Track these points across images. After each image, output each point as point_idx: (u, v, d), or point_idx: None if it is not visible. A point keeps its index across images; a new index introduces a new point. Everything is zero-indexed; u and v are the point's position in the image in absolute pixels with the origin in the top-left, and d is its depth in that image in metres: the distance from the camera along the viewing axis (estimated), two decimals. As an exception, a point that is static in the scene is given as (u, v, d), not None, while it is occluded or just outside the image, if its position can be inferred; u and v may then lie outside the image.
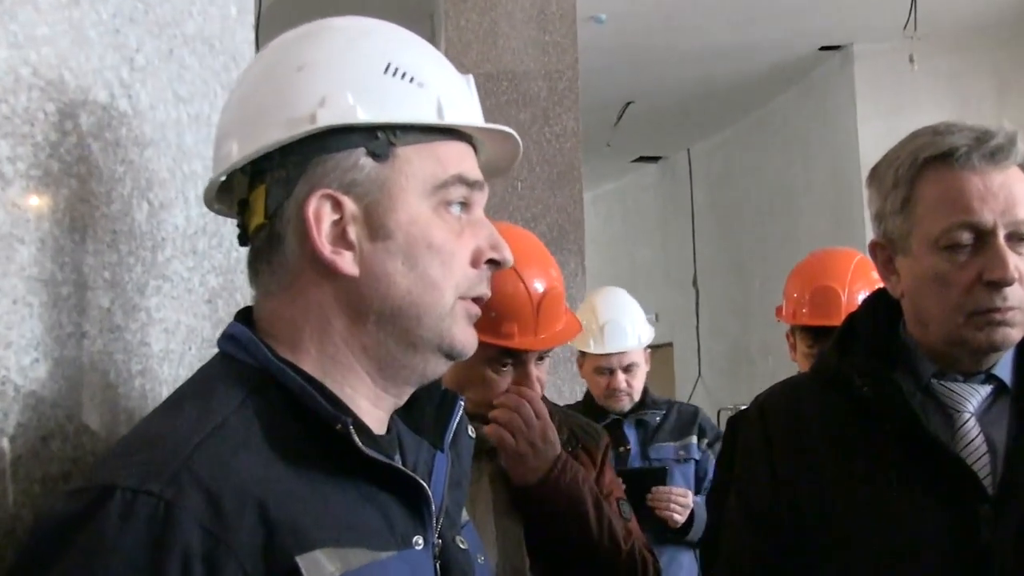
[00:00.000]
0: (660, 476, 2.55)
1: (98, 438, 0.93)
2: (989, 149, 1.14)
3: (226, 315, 1.14)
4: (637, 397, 2.77)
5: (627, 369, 2.73)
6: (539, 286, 1.56)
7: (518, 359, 1.53)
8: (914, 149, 1.19)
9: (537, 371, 1.55)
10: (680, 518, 2.48)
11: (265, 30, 1.28)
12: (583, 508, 1.46)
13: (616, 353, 2.74)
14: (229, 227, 1.17)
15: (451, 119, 0.85)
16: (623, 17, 4.92)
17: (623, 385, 2.72)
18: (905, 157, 1.19)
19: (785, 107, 6.56)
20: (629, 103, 6.54)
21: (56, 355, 0.88)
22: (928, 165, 1.17)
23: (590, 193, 7.61)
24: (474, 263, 0.86)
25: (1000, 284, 1.12)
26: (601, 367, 2.74)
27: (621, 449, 2.65)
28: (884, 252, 1.24)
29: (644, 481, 2.53)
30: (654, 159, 8.11)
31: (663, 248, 8.08)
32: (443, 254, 0.83)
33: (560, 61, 3.55)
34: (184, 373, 1.06)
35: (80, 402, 0.91)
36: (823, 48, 5.61)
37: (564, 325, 1.59)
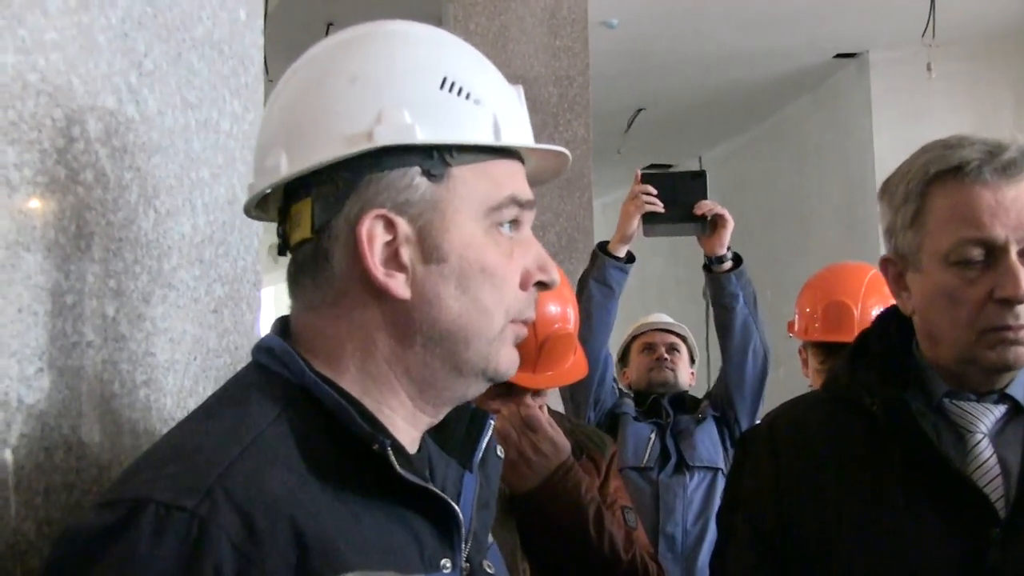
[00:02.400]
0: (700, 181, 2.43)
1: (102, 449, 0.92)
2: (1001, 163, 1.12)
3: (232, 325, 1.13)
4: (680, 381, 2.84)
5: (669, 350, 2.87)
6: (547, 322, 1.50)
7: (512, 390, 1.49)
8: (924, 163, 1.17)
9: (532, 402, 1.51)
10: (728, 216, 2.37)
11: (269, 34, 1.27)
12: (582, 517, 1.46)
13: (660, 330, 2.91)
14: (236, 235, 1.16)
15: (507, 139, 0.83)
16: (635, 22, 4.90)
17: (665, 355, 2.85)
18: (915, 171, 1.17)
19: (799, 115, 6.52)
20: (640, 110, 6.52)
21: (60, 365, 0.87)
22: (938, 179, 1.15)
23: (600, 201, 7.57)
24: (523, 285, 0.84)
25: (1012, 302, 1.10)
26: (645, 343, 2.90)
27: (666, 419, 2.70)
28: (895, 268, 1.22)
29: (684, 188, 2.41)
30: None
31: (674, 257, 8.04)
32: (495, 278, 0.82)
33: (571, 66, 3.53)
34: (189, 384, 1.05)
35: (84, 413, 0.90)
36: (838, 55, 5.58)
37: (571, 365, 1.56)
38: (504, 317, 0.83)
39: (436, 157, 0.80)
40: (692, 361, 2.94)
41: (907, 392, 1.19)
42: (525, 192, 0.85)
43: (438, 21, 4.01)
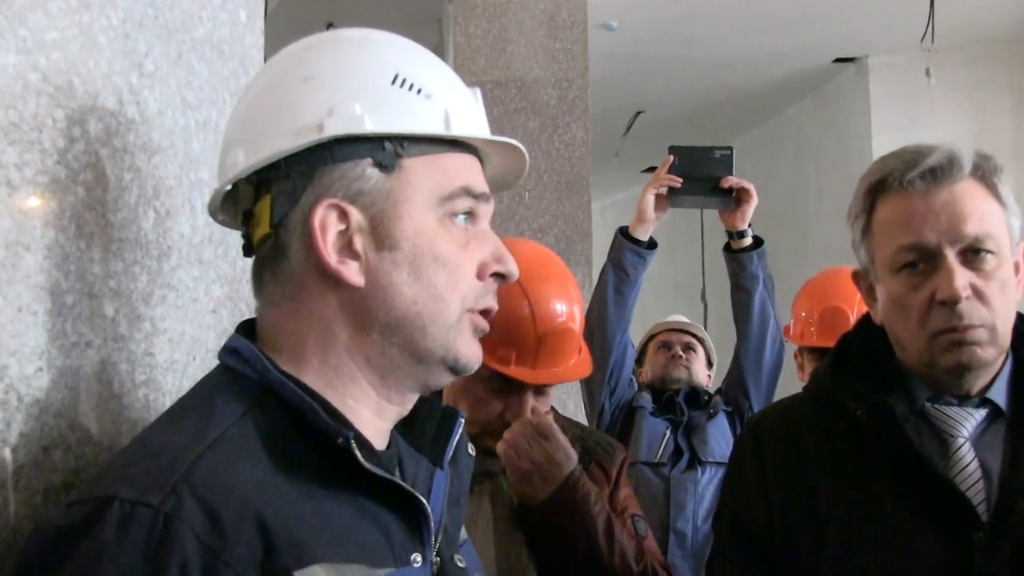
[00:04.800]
0: (727, 157, 2.45)
1: (101, 448, 0.92)
2: (924, 169, 1.15)
3: (231, 325, 1.13)
4: (696, 380, 2.82)
5: (685, 349, 2.87)
6: (548, 316, 1.47)
7: (513, 386, 1.47)
8: (864, 177, 1.21)
9: (535, 402, 1.49)
10: (753, 192, 2.38)
11: (268, 35, 1.28)
12: (592, 528, 1.43)
13: (677, 330, 2.91)
14: (235, 236, 1.16)
15: (457, 131, 0.85)
16: (634, 25, 4.90)
17: (680, 352, 2.85)
18: (859, 187, 1.22)
19: (798, 118, 6.53)
20: (639, 112, 6.53)
21: (60, 364, 0.87)
22: (876, 192, 1.19)
23: (598, 203, 7.58)
24: (480, 275, 0.86)
25: (950, 303, 1.12)
26: (661, 342, 2.90)
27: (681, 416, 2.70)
28: (864, 280, 1.26)
29: (711, 163, 2.43)
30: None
31: (671, 261, 8.05)
32: (449, 266, 0.83)
33: (570, 69, 3.53)
34: (188, 384, 1.04)
35: (83, 412, 0.90)
36: (838, 60, 5.59)
37: (574, 363, 1.53)
38: (460, 304, 0.84)
39: (387, 149, 0.82)
40: (710, 364, 2.93)
41: (890, 396, 1.20)
42: (479, 184, 0.87)
43: (438, 23, 4.00)
